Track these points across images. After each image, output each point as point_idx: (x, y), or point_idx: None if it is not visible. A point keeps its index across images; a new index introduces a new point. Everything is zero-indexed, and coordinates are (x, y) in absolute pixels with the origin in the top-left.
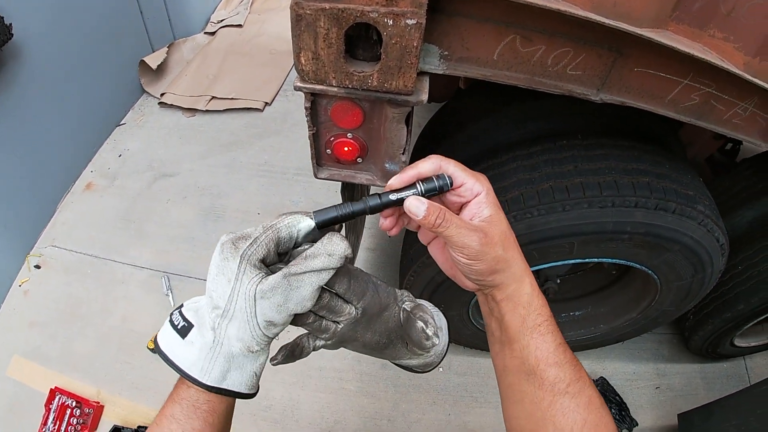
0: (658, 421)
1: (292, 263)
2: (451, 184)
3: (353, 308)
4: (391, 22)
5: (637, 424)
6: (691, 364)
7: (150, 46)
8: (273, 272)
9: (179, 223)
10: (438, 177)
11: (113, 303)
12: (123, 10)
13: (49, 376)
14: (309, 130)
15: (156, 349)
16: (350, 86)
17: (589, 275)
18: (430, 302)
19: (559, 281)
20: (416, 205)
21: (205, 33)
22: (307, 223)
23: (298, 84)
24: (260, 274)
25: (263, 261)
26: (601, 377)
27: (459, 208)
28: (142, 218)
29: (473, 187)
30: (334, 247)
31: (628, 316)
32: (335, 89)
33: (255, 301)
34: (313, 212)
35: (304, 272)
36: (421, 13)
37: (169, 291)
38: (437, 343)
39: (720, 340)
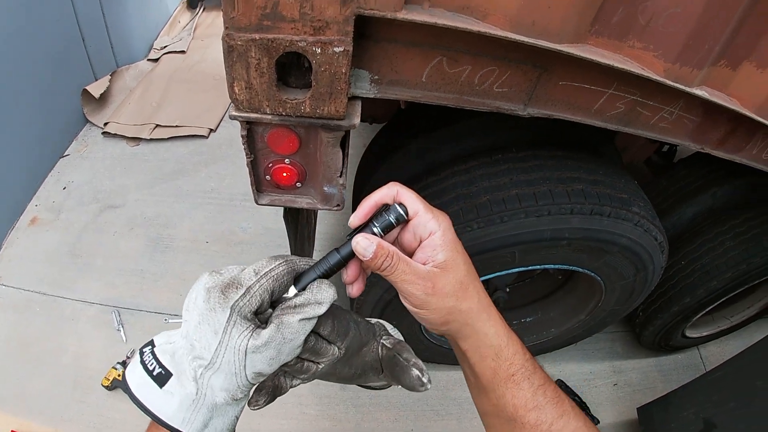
0: (619, 417)
1: (283, 314)
2: (407, 214)
3: (336, 348)
4: (319, 50)
5: (598, 422)
6: (647, 358)
7: (93, 75)
8: (261, 321)
9: (127, 255)
10: (391, 209)
11: (65, 340)
12: (64, 37)
13: (4, 419)
14: (246, 158)
15: (129, 394)
16: (284, 113)
17: (536, 282)
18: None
19: (508, 290)
20: (364, 246)
21: (149, 60)
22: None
23: (234, 113)
24: (251, 327)
25: (256, 312)
26: (559, 380)
27: (416, 248)
28: (90, 252)
29: (427, 224)
30: (323, 295)
31: (577, 318)
32: (269, 117)
33: (246, 355)
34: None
35: (298, 321)
36: (347, 41)
37: (121, 326)
38: (430, 387)
39: (671, 333)
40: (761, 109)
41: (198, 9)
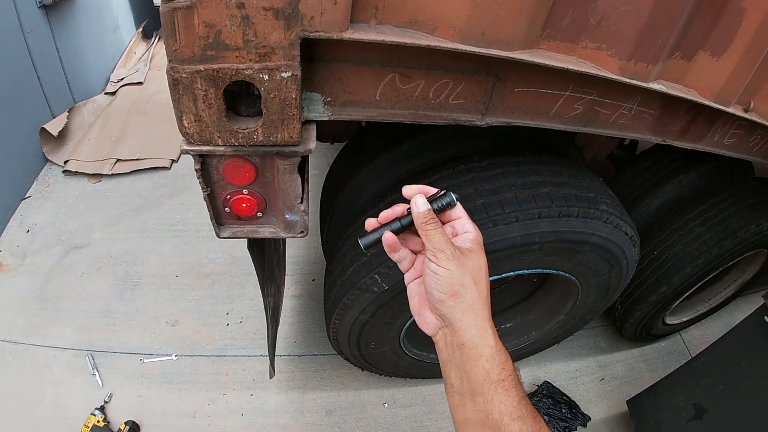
0: (609, 411)
1: None
2: (457, 199)
3: None
4: (266, 77)
5: (590, 419)
6: (630, 349)
7: (50, 112)
8: None
9: (96, 296)
10: (444, 195)
11: (40, 390)
12: (18, 76)
13: None
14: (203, 191)
15: None
16: (236, 144)
17: (512, 287)
18: (359, 342)
19: None
20: (419, 203)
21: (106, 93)
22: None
23: (185, 147)
24: None
25: None
26: (545, 381)
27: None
28: (58, 296)
29: (465, 225)
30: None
31: (556, 319)
32: (222, 148)
33: None
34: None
35: None
36: (294, 65)
37: (95, 370)
38: None
39: (651, 322)
40: (719, 96)
41: (153, 39)
